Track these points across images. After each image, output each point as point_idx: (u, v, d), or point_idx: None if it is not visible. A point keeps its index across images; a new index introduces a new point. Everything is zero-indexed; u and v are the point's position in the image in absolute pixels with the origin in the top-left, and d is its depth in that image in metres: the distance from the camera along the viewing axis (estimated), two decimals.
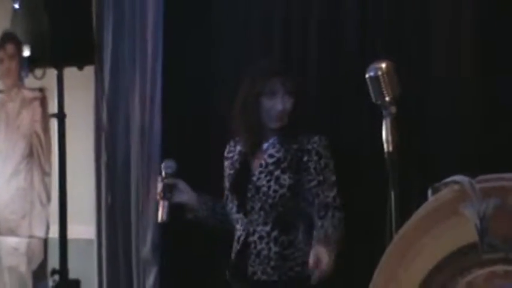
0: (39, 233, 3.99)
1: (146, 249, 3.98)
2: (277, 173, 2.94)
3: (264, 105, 2.96)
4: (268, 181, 2.94)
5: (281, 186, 2.92)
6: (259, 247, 2.92)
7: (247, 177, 2.99)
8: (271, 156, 2.98)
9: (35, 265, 3.98)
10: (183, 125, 3.92)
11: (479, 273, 1.87)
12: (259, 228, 2.94)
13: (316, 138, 2.95)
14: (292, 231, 2.93)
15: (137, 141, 4.08)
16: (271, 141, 3.02)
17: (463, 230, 1.88)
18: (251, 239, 2.95)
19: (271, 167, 2.95)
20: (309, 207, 2.91)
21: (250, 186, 2.96)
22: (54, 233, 4.04)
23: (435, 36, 3.32)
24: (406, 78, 2.63)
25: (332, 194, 2.90)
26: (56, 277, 3.98)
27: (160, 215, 3.03)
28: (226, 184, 3.09)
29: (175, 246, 3.90)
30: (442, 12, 3.29)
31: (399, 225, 2.09)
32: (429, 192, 1.96)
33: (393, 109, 2.27)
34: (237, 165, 3.06)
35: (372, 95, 2.28)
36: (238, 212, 3.00)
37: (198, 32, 3.88)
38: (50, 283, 4.01)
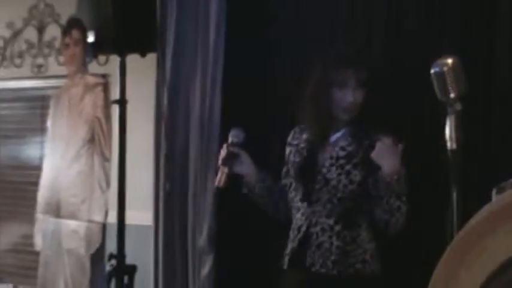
0: (98, 217, 4.04)
1: (202, 238, 4.00)
2: (348, 167, 2.91)
3: (334, 95, 2.93)
4: (339, 175, 2.91)
5: (351, 181, 2.89)
6: (320, 239, 2.90)
7: (314, 167, 2.96)
8: (342, 149, 2.94)
9: (93, 249, 4.03)
10: (243, 116, 3.91)
11: None
12: (322, 220, 2.91)
13: (388, 137, 2.86)
14: (356, 227, 2.91)
15: (196, 131, 4.09)
16: (341, 133, 2.98)
17: None
18: (313, 230, 2.92)
19: (342, 161, 2.92)
20: (373, 205, 2.87)
21: (319, 177, 2.93)
22: (112, 218, 4.07)
23: (503, 33, 3.24)
24: (472, 76, 2.57)
25: (404, 189, 2.84)
26: (113, 262, 4.01)
27: (218, 179, 3.01)
28: (291, 171, 3.06)
29: (231, 235, 3.91)
30: (507, 11, 3.21)
31: (461, 225, 2.04)
32: (494, 191, 1.92)
33: (458, 106, 2.22)
34: (304, 153, 3.02)
35: (437, 91, 2.24)
36: (302, 201, 2.97)
37: (260, 20, 3.87)
38: (107, 267, 4.05)
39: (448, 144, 2.21)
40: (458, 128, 2.22)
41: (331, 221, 2.90)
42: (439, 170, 2.40)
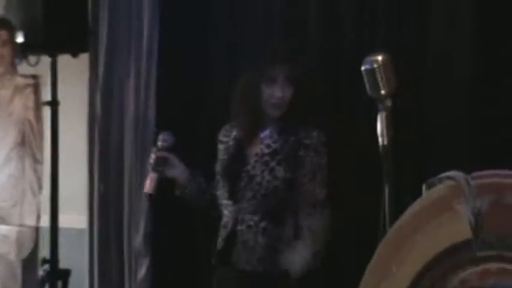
0: (30, 221, 3.95)
1: (138, 240, 3.96)
2: (272, 164, 2.92)
3: (263, 91, 2.94)
4: (263, 171, 2.91)
5: (275, 178, 2.90)
6: (246, 236, 2.91)
7: (241, 164, 2.97)
8: (268, 146, 2.96)
9: (25, 254, 3.94)
10: (177, 115, 3.88)
11: (473, 270, 1.85)
12: (247, 217, 2.92)
13: (315, 133, 2.93)
14: (281, 224, 2.91)
15: (131, 130, 4.05)
16: (269, 130, 2.99)
17: (457, 227, 1.86)
18: (239, 227, 2.93)
19: (266, 157, 2.93)
20: (298, 202, 2.89)
21: (243, 174, 2.94)
22: (45, 222, 4.01)
23: (433, 28, 3.29)
24: (403, 72, 2.60)
25: (323, 192, 2.90)
26: (46, 266, 3.96)
27: (148, 186, 3.01)
28: (218, 168, 3.06)
29: (167, 236, 3.88)
30: (440, 4, 3.26)
31: (393, 221, 2.06)
32: (424, 187, 1.94)
33: (389, 102, 2.24)
34: (231, 151, 3.03)
35: (368, 88, 2.25)
36: (228, 198, 2.98)
37: (194, 21, 3.85)
38: (40, 272, 3.98)
39: (380, 140, 2.23)
40: (390, 124, 2.24)
41: (256, 218, 2.91)
42: (372, 166, 2.41)
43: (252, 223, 2.90)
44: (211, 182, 3.10)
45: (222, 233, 2.99)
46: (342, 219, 2.93)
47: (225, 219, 2.98)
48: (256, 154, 2.95)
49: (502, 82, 3.14)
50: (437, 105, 3.26)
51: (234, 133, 3.06)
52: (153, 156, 3.02)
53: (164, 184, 3.06)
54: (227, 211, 2.98)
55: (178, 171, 3.06)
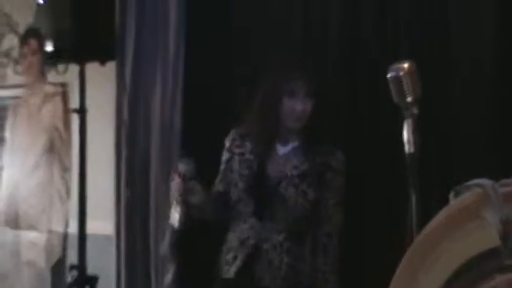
0: (58, 228, 4.01)
1: (164, 247, 3.98)
2: (303, 187, 2.92)
3: (284, 105, 2.95)
4: (295, 194, 2.92)
5: (306, 201, 2.92)
6: (271, 255, 2.91)
7: (266, 181, 2.96)
8: (295, 167, 2.95)
9: (53, 260, 4.00)
10: (204, 123, 3.90)
11: (502, 278, 1.84)
12: (273, 236, 2.92)
13: (339, 155, 2.95)
14: (302, 244, 2.93)
15: (157, 138, 4.07)
16: (291, 147, 3.00)
17: (485, 235, 1.85)
18: (264, 245, 2.93)
19: (296, 180, 2.93)
20: (320, 223, 2.93)
21: (275, 195, 2.94)
22: (73, 228, 4.04)
23: (457, 36, 3.29)
24: (429, 80, 2.59)
25: (342, 217, 2.93)
26: (74, 272, 3.99)
27: (177, 220, 2.95)
28: (240, 184, 3.01)
29: (194, 244, 3.89)
30: (464, 12, 3.26)
31: (420, 229, 2.05)
32: (451, 195, 1.94)
33: (415, 110, 2.24)
34: (254, 167, 3.00)
35: (394, 95, 2.25)
36: (252, 215, 2.97)
37: (219, 30, 3.87)
38: (68, 278, 4.01)
39: (406, 147, 2.22)
40: (416, 131, 2.23)
41: (281, 238, 2.92)
42: (397, 174, 2.40)
43: (276, 242, 2.91)
44: (211, 193, 3.07)
45: (239, 246, 2.97)
46: (369, 226, 2.92)
47: (243, 233, 2.96)
48: (286, 176, 2.94)
49: None
50: (463, 111, 3.24)
51: (249, 145, 3.03)
52: (177, 185, 2.93)
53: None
54: (247, 225, 2.96)
55: (199, 198, 2.98)
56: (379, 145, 3.27)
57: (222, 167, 3.13)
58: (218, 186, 3.12)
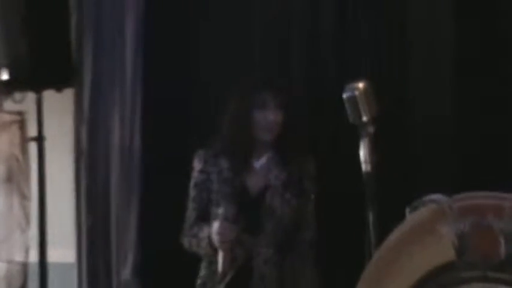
0: (19, 257, 3.96)
1: (127, 271, 3.96)
2: (287, 195, 2.95)
3: (255, 117, 2.98)
4: (281, 203, 2.94)
5: (291, 209, 2.94)
6: (263, 270, 2.92)
7: (249, 196, 2.98)
8: (277, 177, 2.98)
9: None
10: (163, 146, 3.91)
11: None
12: (263, 251, 2.93)
13: (311, 160, 3.01)
14: (291, 255, 2.95)
15: (117, 163, 4.07)
16: (265, 158, 3.01)
17: (441, 249, 1.89)
18: (254, 261, 2.93)
19: (280, 189, 2.96)
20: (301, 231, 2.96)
21: (263, 208, 2.95)
22: (33, 257, 4.00)
23: (414, 54, 3.36)
24: (386, 98, 2.65)
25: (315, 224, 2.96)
26: None
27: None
28: (222, 202, 2.99)
29: (157, 269, 3.88)
30: (420, 31, 3.33)
31: (379, 244, 2.09)
32: (407, 211, 1.98)
33: (371, 129, 2.28)
34: (236, 183, 3.01)
35: (349, 115, 2.29)
36: (244, 231, 2.95)
37: (177, 54, 3.90)
38: None
39: (363, 166, 2.26)
40: (372, 150, 2.27)
41: (271, 251, 2.93)
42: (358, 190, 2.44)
43: (267, 257, 2.92)
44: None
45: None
46: (330, 244, 2.96)
47: (238, 252, 2.94)
48: (269, 186, 2.96)
49: (489, 101, 3.20)
50: (420, 127, 3.31)
51: (225, 163, 3.04)
52: (225, 234, 2.87)
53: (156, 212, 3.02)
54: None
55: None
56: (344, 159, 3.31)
57: (193, 192, 3.10)
58: (192, 214, 3.09)
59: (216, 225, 2.87)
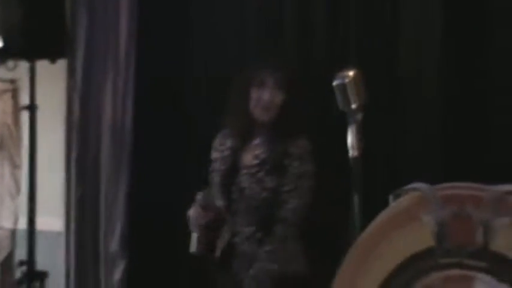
0: (8, 224, 4.01)
1: (114, 243, 4.03)
2: (260, 174, 2.93)
3: (252, 95, 2.95)
4: (251, 183, 2.93)
5: (263, 188, 2.92)
6: (244, 247, 2.94)
7: (234, 175, 2.98)
8: (256, 157, 2.96)
9: (2, 256, 4.00)
10: (155, 119, 3.95)
11: (436, 276, 1.95)
12: (244, 229, 2.95)
13: (300, 142, 2.94)
14: (274, 233, 2.93)
15: (108, 135, 4.11)
16: (259, 138, 2.99)
17: (421, 235, 1.96)
18: (237, 239, 2.96)
19: (255, 169, 2.94)
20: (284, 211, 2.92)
21: (234, 187, 2.96)
22: (22, 224, 4.06)
23: (403, 40, 3.41)
24: (375, 85, 2.70)
25: (301, 201, 2.91)
26: (24, 268, 4.00)
27: (196, 248, 2.98)
28: (216, 180, 3.04)
29: (144, 240, 3.95)
30: (410, 15, 3.37)
31: (363, 230, 2.15)
32: (390, 198, 2.04)
33: (359, 116, 2.33)
34: (228, 162, 3.02)
35: (339, 102, 2.34)
36: (225, 211, 2.99)
37: (172, 26, 3.92)
38: (17, 274, 4.03)
39: (350, 152, 2.32)
40: (360, 137, 2.32)
41: (252, 229, 2.94)
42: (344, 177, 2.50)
43: (248, 234, 2.94)
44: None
45: (220, 245, 2.99)
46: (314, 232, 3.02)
47: (224, 230, 2.99)
48: (246, 166, 2.97)
49: (473, 91, 3.26)
50: (408, 116, 3.37)
51: (229, 142, 3.05)
52: (195, 215, 2.94)
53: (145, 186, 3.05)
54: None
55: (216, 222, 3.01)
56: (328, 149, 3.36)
57: (210, 169, 3.12)
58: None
59: (191, 210, 2.96)
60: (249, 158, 2.99)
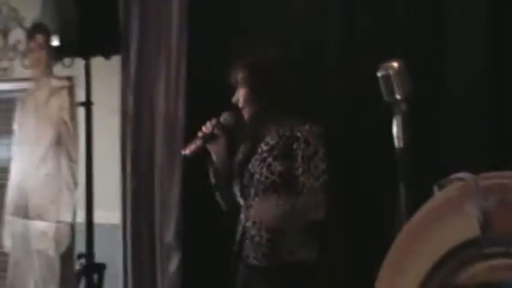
0: (67, 218, 4.10)
1: (169, 235, 4.10)
2: (269, 159, 2.98)
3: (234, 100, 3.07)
4: (261, 168, 2.98)
5: (272, 173, 2.96)
6: (252, 232, 2.98)
7: (248, 164, 3.05)
8: (266, 143, 3.02)
9: (62, 249, 4.09)
10: (207, 113, 3.99)
11: (481, 266, 1.95)
12: (252, 214, 2.97)
13: (306, 126, 2.97)
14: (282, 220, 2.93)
15: (161, 129, 4.19)
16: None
17: (466, 225, 1.96)
18: (248, 224, 3.00)
19: (265, 154, 3.00)
20: (295, 195, 2.93)
21: (246, 173, 3.02)
22: (81, 218, 4.15)
23: (451, 34, 3.38)
24: (420, 77, 2.69)
25: (317, 182, 2.91)
26: (83, 261, 4.09)
27: (189, 147, 3.05)
28: (235, 167, 3.12)
29: (198, 232, 4.01)
30: (456, 12, 3.35)
31: (408, 220, 2.16)
32: (435, 188, 2.05)
33: (404, 107, 2.34)
34: (245, 150, 3.10)
35: (383, 93, 2.35)
36: (240, 196, 3.06)
37: (222, 23, 3.97)
38: (77, 266, 4.12)
39: (396, 143, 2.32)
40: (405, 127, 2.33)
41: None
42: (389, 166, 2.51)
43: (257, 220, 2.97)
44: None
45: (239, 230, 3.06)
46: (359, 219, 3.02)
47: (241, 216, 3.07)
48: (256, 153, 3.03)
49: None
50: (455, 108, 3.35)
51: (241, 147, 3.14)
52: (208, 126, 3.06)
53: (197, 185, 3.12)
54: (241, 209, 3.07)
55: (220, 152, 3.08)
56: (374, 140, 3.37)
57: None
58: None
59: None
60: (261, 146, 3.05)
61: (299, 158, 2.94)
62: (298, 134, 2.96)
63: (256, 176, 2.99)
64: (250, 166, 3.03)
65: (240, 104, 3.04)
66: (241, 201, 3.08)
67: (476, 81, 3.27)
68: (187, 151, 3.07)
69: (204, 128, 3.06)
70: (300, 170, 2.94)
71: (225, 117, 3.08)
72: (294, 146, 2.96)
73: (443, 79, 3.35)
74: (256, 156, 3.03)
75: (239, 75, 3.05)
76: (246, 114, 3.05)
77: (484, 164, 2.98)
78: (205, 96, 4.01)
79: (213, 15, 3.99)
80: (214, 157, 3.10)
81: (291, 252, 2.94)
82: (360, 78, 3.40)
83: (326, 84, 3.59)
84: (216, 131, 3.06)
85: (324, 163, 2.95)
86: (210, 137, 3.05)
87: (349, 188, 3.27)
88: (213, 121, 3.07)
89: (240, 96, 3.05)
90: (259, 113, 3.03)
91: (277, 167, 2.96)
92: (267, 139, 3.03)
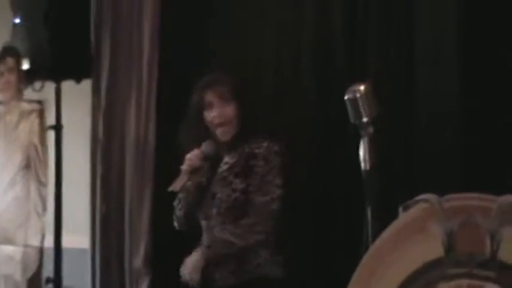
0: (35, 242, 4.07)
1: (139, 259, 4.07)
2: (230, 178, 2.99)
3: (206, 118, 3.03)
4: (222, 187, 3.00)
5: (233, 190, 2.97)
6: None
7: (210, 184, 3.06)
8: (225, 163, 3.02)
9: (29, 273, 4.06)
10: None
11: (445, 286, 1.97)
12: (213, 233, 2.99)
13: (265, 143, 2.98)
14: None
15: (132, 153, 4.18)
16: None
17: (431, 246, 1.98)
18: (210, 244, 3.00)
19: (225, 173, 3.00)
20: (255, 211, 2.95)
21: (207, 194, 3.03)
22: (49, 242, 4.12)
23: (420, 56, 3.43)
24: (389, 97, 2.71)
25: (269, 199, 2.94)
26: (50, 285, 4.06)
27: (178, 185, 3.02)
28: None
29: (168, 256, 3.98)
30: (424, 33, 3.40)
31: (374, 241, 2.17)
32: (400, 209, 2.07)
33: (370, 129, 2.36)
34: (206, 173, 3.09)
35: (350, 115, 2.37)
36: (202, 219, 3.07)
37: (193, 45, 3.98)
38: None
39: (362, 165, 2.34)
40: (371, 150, 2.35)
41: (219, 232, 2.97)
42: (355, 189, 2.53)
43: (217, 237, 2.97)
44: None
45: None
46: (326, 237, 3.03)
47: (203, 238, 3.07)
48: (217, 173, 3.03)
49: (489, 105, 3.26)
50: (425, 127, 3.38)
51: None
52: (193, 159, 3.01)
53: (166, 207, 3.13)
54: (203, 231, 3.07)
55: (197, 179, 3.06)
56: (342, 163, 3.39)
57: None
58: None
59: (191, 153, 3.03)
60: (221, 165, 3.05)
61: (255, 175, 2.95)
62: (257, 151, 2.97)
63: (218, 195, 3.00)
64: (211, 187, 3.02)
65: (228, 120, 3.00)
66: (203, 223, 3.06)
67: (449, 98, 3.30)
68: (175, 189, 3.04)
69: (189, 162, 3.02)
70: (254, 188, 2.95)
71: (207, 147, 3.04)
72: (252, 162, 2.97)
73: (412, 97, 3.39)
74: (216, 177, 3.02)
75: (225, 94, 3.00)
76: (227, 133, 3.02)
77: (454, 183, 3.02)
78: (177, 122, 4.00)
79: (185, 38, 4.00)
80: (190, 185, 3.07)
81: (258, 267, 2.95)
82: (330, 98, 3.43)
83: (295, 100, 3.61)
84: (199, 163, 3.03)
85: (279, 179, 2.96)
86: (196, 171, 3.03)
87: (315, 206, 3.27)
88: (196, 153, 3.03)
89: (228, 112, 3.00)
90: (246, 129, 3.01)
91: (238, 184, 2.97)
92: (226, 159, 3.03)
